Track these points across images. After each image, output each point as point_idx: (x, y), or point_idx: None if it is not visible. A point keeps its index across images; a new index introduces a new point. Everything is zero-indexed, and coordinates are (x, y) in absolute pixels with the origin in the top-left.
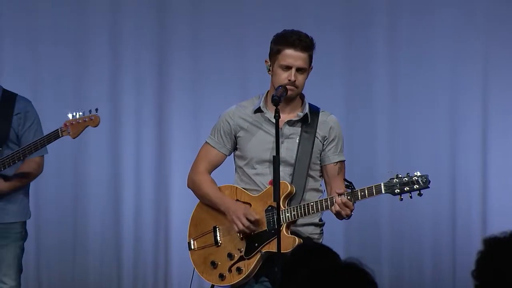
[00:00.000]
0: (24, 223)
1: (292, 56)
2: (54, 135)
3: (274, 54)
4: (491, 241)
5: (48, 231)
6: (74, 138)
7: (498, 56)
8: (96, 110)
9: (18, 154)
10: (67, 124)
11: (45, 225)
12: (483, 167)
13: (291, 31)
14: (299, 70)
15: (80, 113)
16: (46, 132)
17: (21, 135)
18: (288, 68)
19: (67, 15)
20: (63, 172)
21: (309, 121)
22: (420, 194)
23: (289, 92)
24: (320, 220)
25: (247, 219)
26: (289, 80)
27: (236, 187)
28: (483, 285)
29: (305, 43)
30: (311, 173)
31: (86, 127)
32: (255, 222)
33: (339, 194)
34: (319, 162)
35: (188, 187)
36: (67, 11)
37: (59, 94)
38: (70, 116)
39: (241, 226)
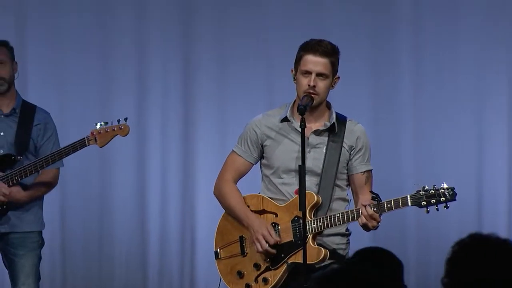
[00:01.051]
0: (41, 232)
1: (311, 61)
2: (80, 144)
3: (297, 61)
4: (457, 246)
5: (74, 238)
6: (101, 147)
7: None
8: (126, 119)
9: (41, 163)
10: (94, 133)
11: (71, 232)
12: (509, 176)
13: (313, 39)
14: (319, 76)
15: (108, 123)
16: (63, 144)
17: (39, 146)
18: (308, 73)
19: (93, 23)
20: (89, 180)
21: (336, 131)
22: (446, 207)
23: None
24: (347, 230)
25: (267, 241)
26: (309, 85)
27: (263, 197)
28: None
29: (325, 49)
30: (338, 182)
31: (115, 136)
32: (274, 245)
33: (365, 206)
34: (346, 171)
35: (214, 195)
36: (93, 19)
37: (85, 103)
38: (97, 125)
39: (260, 249)
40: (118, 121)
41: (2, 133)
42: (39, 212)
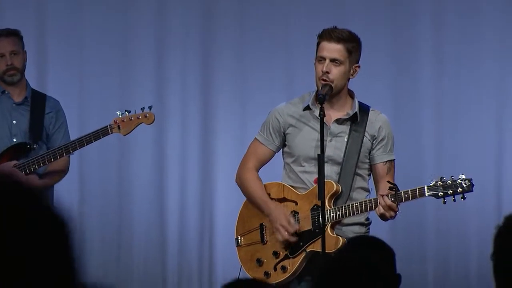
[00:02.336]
0: None
1: (326, 47)
2: (103, 132)
3: (316, 51)
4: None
5: (92, 229)
6: (125, 136)
7: None
8: (150, 107)
9: (60, 151)
10: (117, 121)
11: (89, 223)
12: None
13: (330, 27)
14: (334, 61)
15: (130, 112)
16: (73, 136)
17: (51, 134)
18: (323, 59)
19: (113, 15)
20: (108, 170)
21: (358, 120)
22: (463, 198)
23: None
24: (367, 219)
25: (286, 230)
26: (322, 71)
27: (284, 185)
28: (499, 265)
29: (339, 34)
30: (359, 171)
31: (139, 124)
32: (294, 233)
33: (383, 196)
34: (367, 161)
35: (236, 183)
36: (113, 11)
37: (105, 95)
38: (119, 113)
39: (280, 238)
40: (142, 109)
41: (15, 121)
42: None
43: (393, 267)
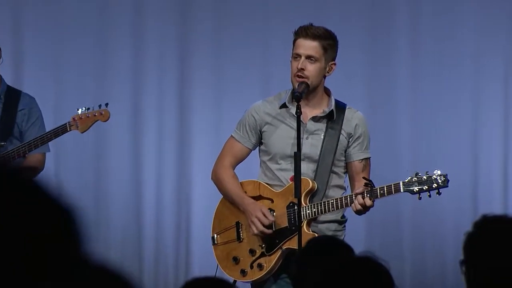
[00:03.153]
0: None
1: (301, 44)
2: (62, 129)
3: (292, 49)
4: (481, 222)
5: None
6: (82, 133)
7: None
8: (106, 105)
9: (23, 148)
10: (76, 118)
11: None
12: (505, 164)
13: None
14: (309, 58)
15: (89, 109)
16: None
17: (24, 131)
18: (298, 56)
19: (90, 11)
20: (84, 168)
21: (334, 118)
22: (439, 193)
23: (297, 81)
24: (343, 216)
25: (261, 222)
26: (297, 68)
27: (260, 183)
28: (470, 271)
29: (315, 32)
30: (335, 169)
31: (95, 121)
32: (270, 226)
33: (358, 194)
34: (343, 158)
35: (212, 180)
36: (90, 7)
37: (81, 89)
38: (79, 111)
39: (255, 231)
40: (99, 106)
41: None
42: None
43: None
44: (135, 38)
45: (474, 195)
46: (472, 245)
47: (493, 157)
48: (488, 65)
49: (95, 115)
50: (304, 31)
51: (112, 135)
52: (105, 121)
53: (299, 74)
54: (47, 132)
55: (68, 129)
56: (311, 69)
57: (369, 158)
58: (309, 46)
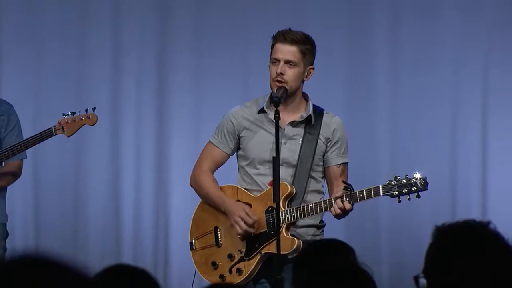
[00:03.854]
0: (4, 224)
1: (280, 49)
2: (47, 133)
3: (271, 53)
4: (440, 232)
5: (48, 230)
6: (68, 137)
7: (500, 57)
8: (93, 109)
9: (6, 153)
10: (62, 122)
11: (45, 224)
12: (483, 168)
13: (285, 29)
14: (288, 63)
15: (75, 113)
16: (30, 134)
17: (3, 137)
18: (277, 61)
19: (69, 16)
20: (63, 171)
21: (312, 123)
22: (418, 196)
23: (276, 85)
24: (321, 221)
25: (245, 222)
26: (277, 72)
27: (238, 187)
28: (433, 283)
29: (293, 36)
30: (313, 174)
31: (83, 125)
32: (254, 225)
33: (337, 198)
34: (321, 163)
35: (191, 185)
36: (69, 12)
37: (60, 93)
38: (64, 115)
39: (239, 230)
40: (86, 110)
41: None
42: (3, 203)
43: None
44: (114, 43)
45: (452, 199)
46: (433, 253)
47: (471, 161)
48: (466, 71)
49: (82, 119)
50: (283, 36)
51: (91, 139)
52: (93, 125)
53: (278, 79)
54: (32, 137)
55: (54, 133)
56: (290, 74)
57: (347, 163)
58: (287, 51)
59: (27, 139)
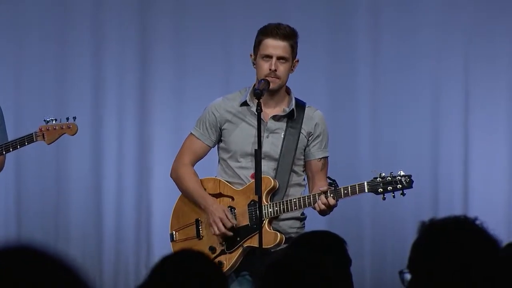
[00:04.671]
0: None
1: (272, 45)
2: (28, 139)
3: (256, 46)
4: (426, 228)
5: (29, 227)
6: (48, 144)
7: (480, 53)
8: (74, 118)
9: None
10: (43, 129)
11: (27, 226)
12: (465, 163)
13: (272, 23)
14: (280, 59)
15: (57, 120)
16: (11, 134)
17: None
18: (269, 57)
19: (50, 13)
20: (45, 168)
21: (294, 117)
22: (403, 194)
23: (271, 85)
24: (302, 213)
25: (224, 224)
26: (270, 69)
27: (220, 180)
28: (417, 278)
29: (284, 32)
30: (295, 168)
31: (63, 134)
32: (232, 228)
33: (323, 192)
34: (303, 157)
35: (171, 177)
36: (50, 9)
37: (41, 94)
38: (46, 121)
39: (217, 232)
40: (67, 119)
41: None
42: None
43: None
44: (94, 42)
45: (434, 194)
46: (417, 253)
47: (454, 156)
48: (448, 63)
49: (62, 128)
50: (275, 31)
51: (72, 137)
52: (73, 134)
53: (272, 75)
54: (13, 141)
55: (35, 139)
56: (282, 70)
57: (328, 157)
58: (279, 46)
59: (8, 143)
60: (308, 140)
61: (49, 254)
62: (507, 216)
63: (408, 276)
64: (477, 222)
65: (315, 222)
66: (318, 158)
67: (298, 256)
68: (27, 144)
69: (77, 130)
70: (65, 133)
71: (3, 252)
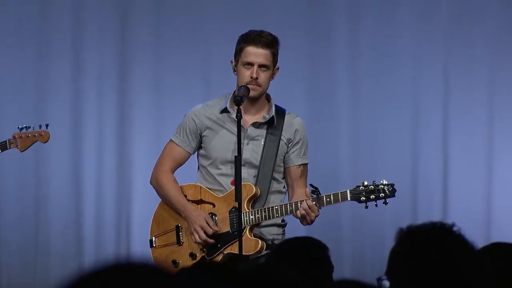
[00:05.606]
0: None
1: (253, 53)
2: (2, 146)
3: (237, 53)
4: (403, 234)
5: (8, 232)
6: (22, 152)
7: (459, 57)
8: (47, 126)
9: None
10: (16, 136)
11: (6, 229)
12: (444, 168)
13: (254, 30)
14: (262, 67)
15: (30, 127)
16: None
17: None
18: (250, 65)
19: (28, 16)
20: (24, 172)
21: (274, 123)
22: (385, 203)
23: (251, 92)
24: (283, 220)
25: (205, 232)
26: (251, 77)
27: (201, 187)
28: (396, 285)
29: (266, 40)
30: (275, 175)
31: (35, 142)
32: (213, 235)
33: (305, 200)
34: (283, 164)
35: (151, 184)
36: (28, 12)
37: (20, 100)
38: (19, 129)
39: (198, 240)
40: (40, 126)
41: None
42: None
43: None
44: (74, 47)
45: (413, 200)
46: (395, 260)
47: (433, 163)
48: (427, 68)
49: (34, 135)
50: (257, 39)
51: (52, 138)
52: (45, 142)
53: (253, 83)
54: None
55: (8, 147)
56: (264, 77)
57: (307, 164)
58: (261, 54)
59: None
60: (288, 146)
61: (153, 269)
62: (485, 222)
63: (386, 283)
64: (455, 228)
65: (295, 229)
66: (297, 165)
67: (278, 268)
68: (2, 151)
69: (49, 137)
70: (37, 140)
71: (104, 273)
